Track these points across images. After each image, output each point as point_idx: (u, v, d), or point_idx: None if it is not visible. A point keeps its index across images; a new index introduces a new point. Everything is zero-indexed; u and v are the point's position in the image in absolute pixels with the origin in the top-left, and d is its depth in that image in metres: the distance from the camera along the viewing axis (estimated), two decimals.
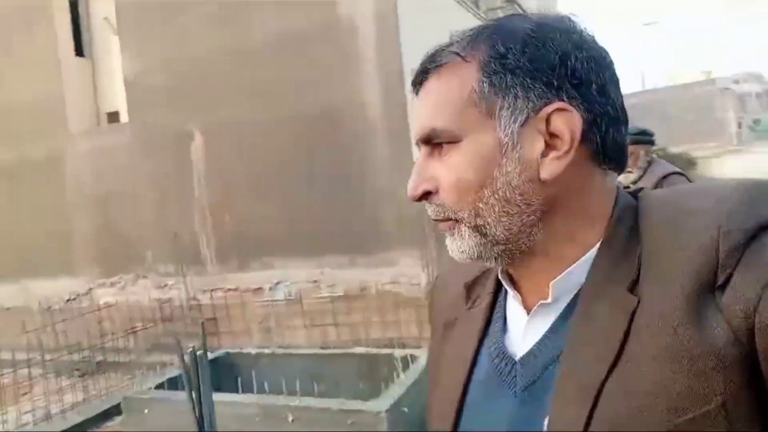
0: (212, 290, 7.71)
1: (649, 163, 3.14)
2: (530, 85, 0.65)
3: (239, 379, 4.26)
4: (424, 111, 0.69)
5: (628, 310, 0.61)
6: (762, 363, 0.55)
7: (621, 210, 0.68)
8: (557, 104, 0.64)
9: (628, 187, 2.95)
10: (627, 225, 0.67)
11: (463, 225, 0.68)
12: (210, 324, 6.86)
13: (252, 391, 4.12)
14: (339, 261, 7.83)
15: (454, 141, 0.67)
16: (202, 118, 7.78)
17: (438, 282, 0.91)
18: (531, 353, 0.69)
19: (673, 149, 23.48)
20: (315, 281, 7.77)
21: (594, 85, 0.65)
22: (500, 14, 13.58)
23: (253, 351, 4.84)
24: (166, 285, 8.01)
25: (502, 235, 0.67)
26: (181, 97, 7.81)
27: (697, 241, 0.60)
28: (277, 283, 7.84)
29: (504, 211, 0.66)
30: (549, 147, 0.65)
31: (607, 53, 0.68)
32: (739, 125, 55.12)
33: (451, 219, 0.69)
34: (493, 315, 0.77)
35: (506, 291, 0.75)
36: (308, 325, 7.27)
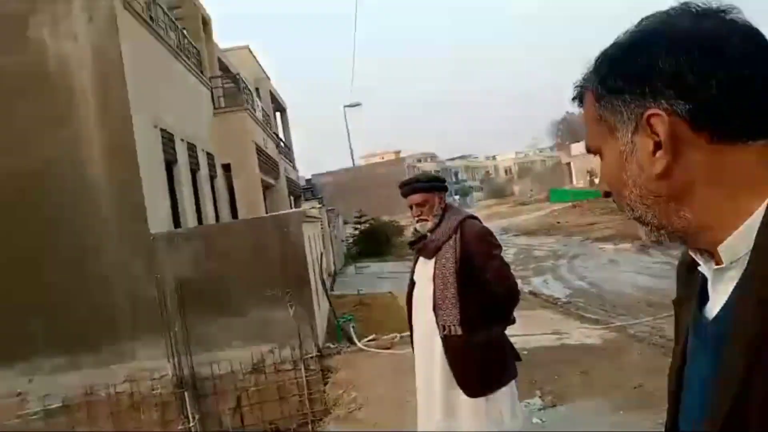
0: None
1: (444, 209, 3.02)
2: (628, 100, 0.74)
3: None
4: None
5: None
6: None
7: None
8: (649, 110, 0.72)
9: (425, 236, 3.08)
10: None
11: (632, 217, 0.80)
12: None
13: None
14: (54, 363, 6.17)
15: (599, 154, 0.81)
16: None
17: (679, 261, 0.93)
18: (717, 316, 0.73)
19: (388, 217, 26.07)
20: (19, 394, 5.95)
21: (690, 75, 0.69)
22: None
23: None
24: None
25: (657, 222, 0.77)
26: None
27: None
28: None
29: (644, 204, 0.77)
30: (657, 147, 0.72)
31: (716, 36, 0.70)
32: None
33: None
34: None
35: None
36: None
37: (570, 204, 31.01)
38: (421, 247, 3.02)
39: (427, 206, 2.96)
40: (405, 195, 3.04)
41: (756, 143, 0.69)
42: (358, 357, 6.80)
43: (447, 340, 2.83)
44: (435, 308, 2.86)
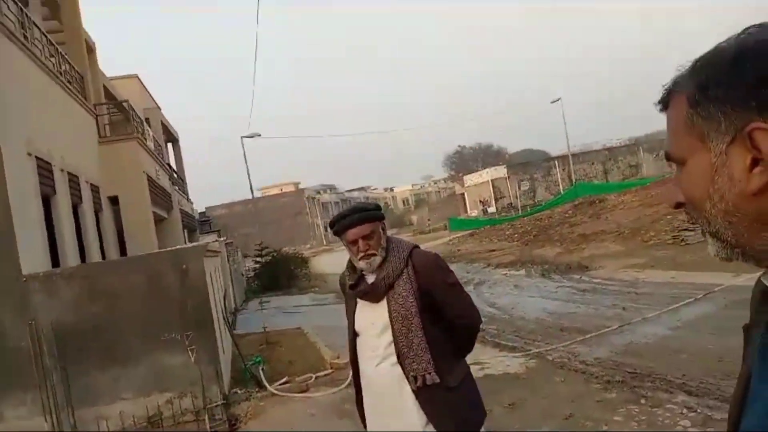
0: None
1: (387, 241, 2.59)
2: (731, 110, 0.71)
3: None
4: (666, 136, 0.81)
5: None
6: None
7: None
8: (755, 124, 0.69)
9: (362, 276, 2.61)
10: None
11: (706, 231, 0.78)
12: None
13: None
14: None
15: (682, 163, 0.78)
16: None
17: (756, 284, 0.91)
18: None
19: (290, 248, 25.29)
20: None
21: None
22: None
23: None
24: None
25: (735, 240, 0.75)
26: None
27: None
28: None
29: (727, 221, 0.74)
30: (754, 162, 0.70)
31: None
32: (325, 228, 64.47)
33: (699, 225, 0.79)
34: None
35: None
36: None
37: (468, 232, 31.82)
38: (367, 289, 2.52)
39: (374, 238, 2.50)
40: (346, 228, 2.51)
41: None
42: (269, 403, 6.17)
43: (422, 392, 2.39)
44: (400, 357, 2.42)
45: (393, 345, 2.44)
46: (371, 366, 2.51)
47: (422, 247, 2.73)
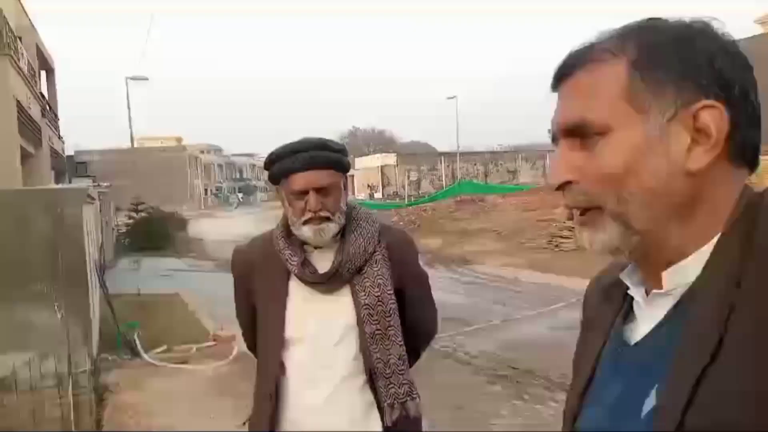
0: None
1: (350, 207, 1.83)
2: (680, 82, 0.68)
3: None
4: (573, 103, 0.72)
5: (732, 306, 0.62)
6: None
7: (744, 207, 0.68)
8: (706, 101, 0.67)
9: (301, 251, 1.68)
10: (748, 221, 0.66)
11: (606, 214, 0.70)
12: None
13: None
14: None
15: (603, 132, 0.69)
16: None
17: (589, 284, 0.93)
18: (644, 340, 0.72)
19: (166, 208, 23.73)
20: None
21: (737, 87, 0.68)
22: None
23: None
24: None
25: (643, 226, 0.70)
26: None
27: None
28: None
29: (647, 202, 0.69)
30: (694, 142, 0.68)
31: (746, 58, 0.71)
32: (206, 191, 61.67)
33: (593, 207, 0.71)
34: (623, 309, 0.79)
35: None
36: None
37: None
38: (321, 273, 1.70)
39: (334, 194, 1.67)
40: (293, 170, 1.65)
41: (743, 171, 0.71)
42: (145, 373, 5.69)
43: (402, 423, 1.69)
44: (373, 377, 1.67)
45: (362, 358, 1.68)
46: (321, 393, 1.67)
47: None
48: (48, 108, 17.18)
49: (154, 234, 18.77)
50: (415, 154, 48.31)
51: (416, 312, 1.83)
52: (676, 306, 0.69)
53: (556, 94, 0.76)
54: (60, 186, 9.31)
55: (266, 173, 1.80)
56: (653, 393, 0.66)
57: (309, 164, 1.64)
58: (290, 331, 1.69)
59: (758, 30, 26.47)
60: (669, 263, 0.70)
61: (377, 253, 1.73)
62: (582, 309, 0.92)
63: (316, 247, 1.72)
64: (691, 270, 0.68)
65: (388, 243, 1.77)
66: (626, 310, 0.78)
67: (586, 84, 0.71)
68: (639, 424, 0.66)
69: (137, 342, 6.23)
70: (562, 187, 0.73)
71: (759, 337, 0.59)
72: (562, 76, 0.74)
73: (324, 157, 1.66)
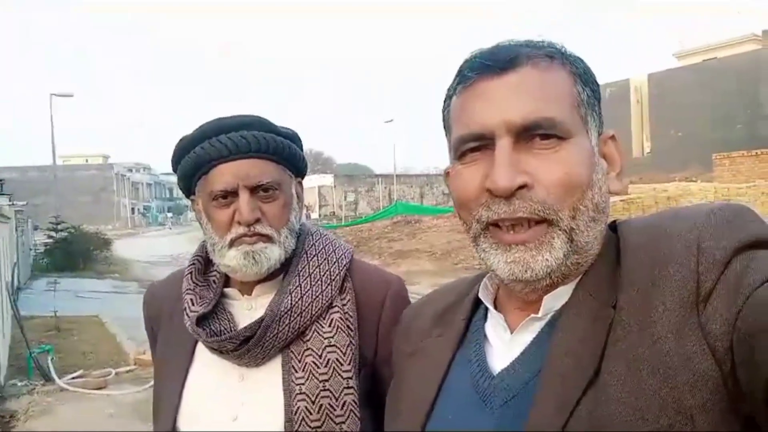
0: None
1: (304, 229, 1.26)
2: (597, 108, 0.70)
3: None
4: (528, 99, 0.64)
5: (606, 323, 0.62)
6: (741, 378, 0.54)
7: (608, 233, 0.70)
8: (610, 131, 0.71)
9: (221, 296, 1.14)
10: (612, 246, 0.67)
11: (557, 228, 0.65)
12: None
13: None
14: None
15: (564, 137, 0.65)
16: None
17: (404, 314, 0.90)
18: (511, 367, 0.68)
19: (90, 227, 22.58)
20: None
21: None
22: None
23: None
24: None
25: (585, 244, 0.66)
26: None
27: (676, 260, 0.60)
28: None
29: (592, 218, 0.66)
30: (609, 167, 0.71)
31: None
32: (133, 210, 59.37)
33: (545, 220, 0.65)
34: (468, 338, 0.75)
35: (484, 312, 0.76)
36: None
37: None
38: (239, 334, 1.02)
39: (281, 197, 1.06)
40: (219, 157, 1.01)
41: None
42: (58, 399, 5.34)
43: None
44: None
45: None
46: None
47: None
48: None
49: (74, 254, 17.84)
50: (352, 176, 48.41)
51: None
52: (541, 330, 0.67)
53: (469, 93, 0.67)
54: None
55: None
56: (531, 416, 0.62)
57: (240, 149, 1.02)
58: (184, 424, 1.05)
59: (676, 63, 28.47)
60: (554, 287, 0.67)
61: (334, 309, 1.06)
62: (393, 340, 0.88)
63: (243, 288, 1.09)
64: (564, 293, 0.67)
65: (360, 293, 1.09)
66: (482, 338, 0.74)
67: (537, 82, 0.65)
68: None
69: (51, 366, 5.85)
70: (514, 193, 0.63)
71: (634, 353, 0.59)
72: (499, 69, 0.65)
73: (265, 140, 1.04)
